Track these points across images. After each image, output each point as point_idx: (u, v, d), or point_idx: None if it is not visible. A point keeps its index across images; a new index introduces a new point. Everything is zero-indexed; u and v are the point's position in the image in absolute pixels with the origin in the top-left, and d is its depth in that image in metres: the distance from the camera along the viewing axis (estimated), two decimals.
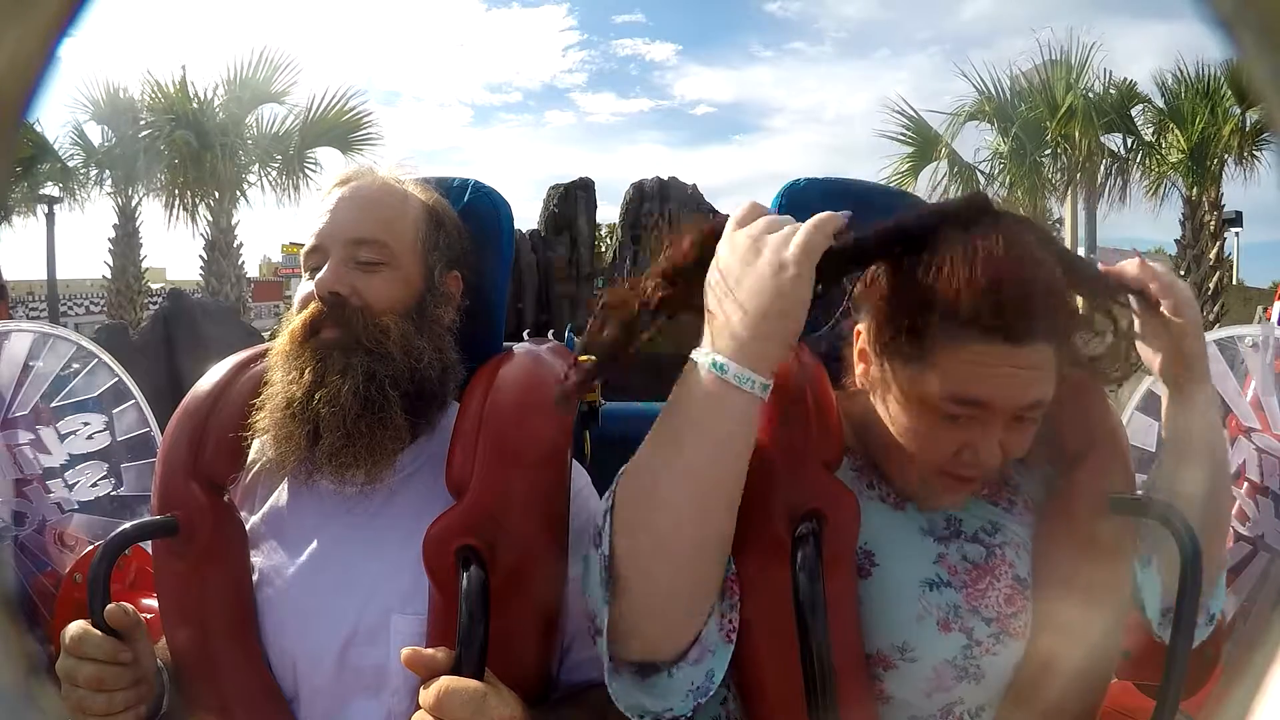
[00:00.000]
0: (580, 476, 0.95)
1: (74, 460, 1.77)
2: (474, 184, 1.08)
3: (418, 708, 0.71)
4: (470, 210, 1.04)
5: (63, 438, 1.76)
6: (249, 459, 0.96)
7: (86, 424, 1.78)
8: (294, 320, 0.91)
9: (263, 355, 0.95)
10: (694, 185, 8.36)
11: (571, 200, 8.22)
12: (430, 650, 0.73)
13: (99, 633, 0.80)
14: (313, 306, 0.90)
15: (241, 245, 9.03)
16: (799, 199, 1.08)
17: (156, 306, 6.82)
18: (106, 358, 1.82)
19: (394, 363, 0.88)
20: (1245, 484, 1.50)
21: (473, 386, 0.91)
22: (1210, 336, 1.61)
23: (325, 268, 0.90)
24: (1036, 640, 0.85)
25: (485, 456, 0.84)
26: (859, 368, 0.85)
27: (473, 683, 0.71)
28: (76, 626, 0.80)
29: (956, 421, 0.77)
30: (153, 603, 0.92)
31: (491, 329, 1.06)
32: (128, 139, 8.68)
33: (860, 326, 0.84)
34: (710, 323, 0.71)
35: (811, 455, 0.81)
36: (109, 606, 0.80)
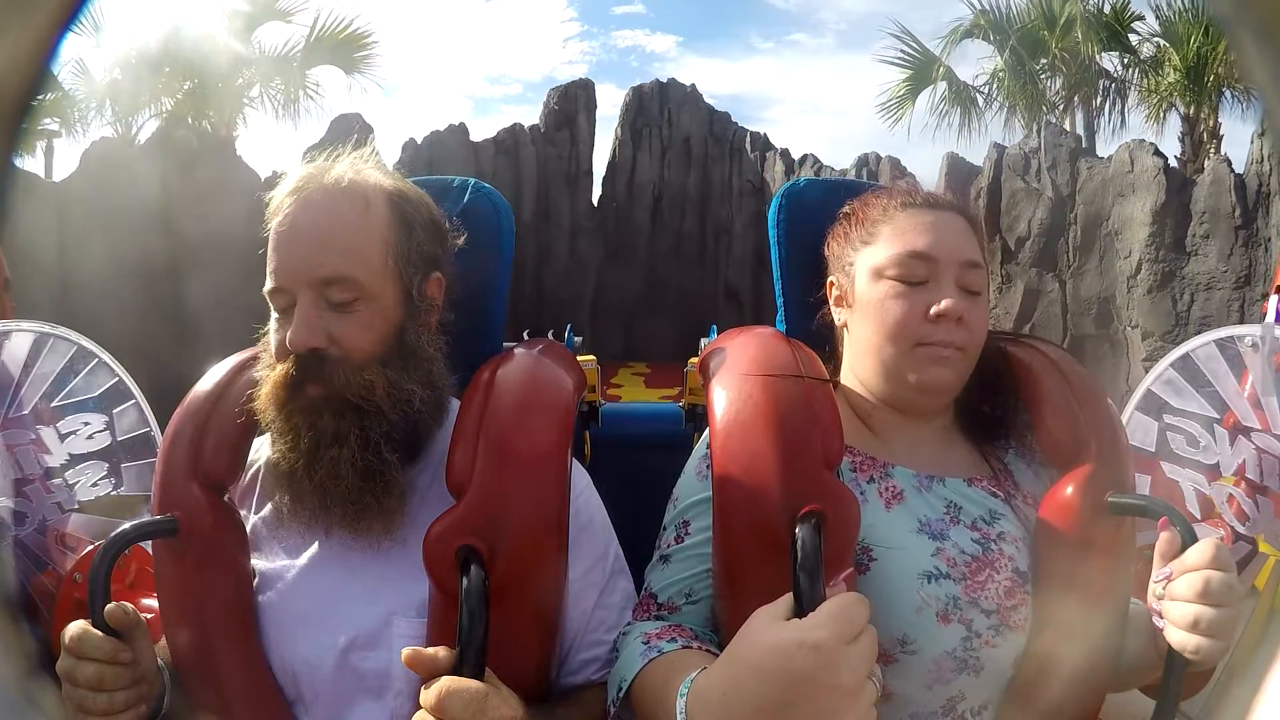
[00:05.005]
0: (580, 476, 0.95)
1: (74, 460, 1.76)
2: (474, 184, 1.08)
3: (419, 708, 0.71)
4: (470, 210, 1.04)
5: (63, 437, 1.76)
6: (249, 459, 0.96)
7: (87, 424, 1.77)
8: (275, 371, 0.86)
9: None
10: (693, 85, 8.44)
11: (572, 98, 8.28)
12: (431, 650, 0.73)
13: (99, 633, 0.80)
14: (291, 361, 0.84)
15: (240, 158, 8.89)
16: (799, 199, 1.08)
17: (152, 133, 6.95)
18: (107, 357, 1.82)
19: (385, 418, 0.85)
20: (1244, 484, 1.50)
21: (473, 387, 0.91)
22: (1210, 336, 1.60)
23: (295, 317, 0.84)
24: (1036, 639, 0.86)
25: (485, 457, 0.84)
26: (836, 312, 0.99)
27: (473, 683, 0.71)
28: (76, 626, 0.80)
29: (914, 286, 0.91)
30: (153, 603, 0.92)
31: (491, 329, 1.06)
32: (130, 62, 8.52)
33: (831, 278, 1.00)
34: (717, 681, 0.69)
35: (811, 455, 0.82)
36: (109, 606, 0.80)
